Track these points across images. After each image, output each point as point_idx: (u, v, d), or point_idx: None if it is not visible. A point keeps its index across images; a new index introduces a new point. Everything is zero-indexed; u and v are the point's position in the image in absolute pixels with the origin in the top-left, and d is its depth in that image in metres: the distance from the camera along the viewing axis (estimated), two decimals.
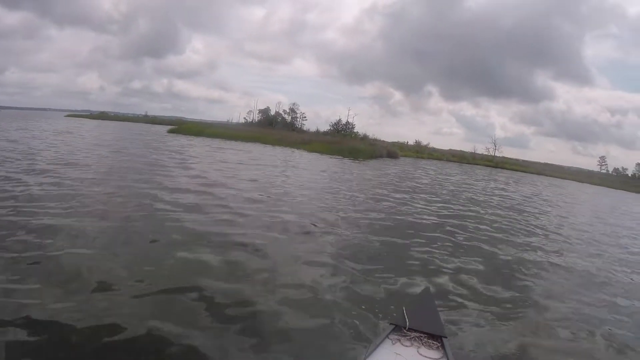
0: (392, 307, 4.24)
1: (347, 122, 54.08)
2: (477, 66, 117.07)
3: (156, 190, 9.17)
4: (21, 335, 3.12)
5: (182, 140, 30.46)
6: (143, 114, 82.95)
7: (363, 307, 4.18)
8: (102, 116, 76.72)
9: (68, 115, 78.28)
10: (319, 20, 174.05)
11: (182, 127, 41.97)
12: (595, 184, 51.59)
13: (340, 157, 28.69)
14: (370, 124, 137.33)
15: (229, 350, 3.26)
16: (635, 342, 4.34)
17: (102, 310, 3.60)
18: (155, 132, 38.52)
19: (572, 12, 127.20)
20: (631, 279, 7.04)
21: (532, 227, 10.74)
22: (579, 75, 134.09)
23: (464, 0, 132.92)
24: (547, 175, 51.87)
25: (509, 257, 7.08)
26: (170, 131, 39.94)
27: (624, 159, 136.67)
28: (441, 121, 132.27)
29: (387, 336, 2.90)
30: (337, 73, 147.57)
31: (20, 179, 9.08)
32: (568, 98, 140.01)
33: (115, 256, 4.92)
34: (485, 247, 7.60)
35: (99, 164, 13.17)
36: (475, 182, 24.04)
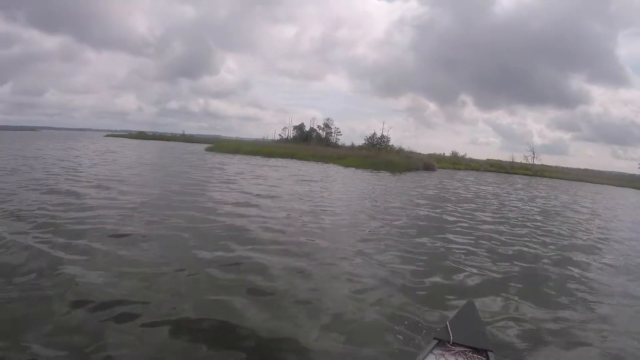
0: (436, 316, 4.20)
1: (382, 136, 53.50)
2: (509, 73, 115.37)
3: (206, 204, 9.68)
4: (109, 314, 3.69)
5: (221, 158, 31.14)
6: (180, 133, 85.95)
7: (406, 322, 4.04)
8: (141, 136, 79.72)
9: (107, 135, 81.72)
10: (349, 36, 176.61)
11: (219, 145, 42.88)
12: (638, 188, 48.91)
13: (376, 170, 28.37)
14: (405, 136, 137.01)
15: (291, 336, 3.59)
16: None
17: (177, 300, 4.13)
18: (193, 151, 39.66)
19: (601, 11, 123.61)
20: None
21: (575, 233, 10.51)
22: (613, 76, 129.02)
23: (491, 6, 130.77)
24: (587, 182, 49.92)
25: (556, 265, 6.87)
26: (208, 149, 41.05)
27: None
28: (477, 131, 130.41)
29: (430, 351, 2.83)
30: (369, 87, 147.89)
31: (80, 193, 9.76)
32: (604, 100, 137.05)
33: (183, 260, 5.35)
34: (531, 255, 7.50)
35: (147, 181, 13.81)
36: (514, 191, 23.35)
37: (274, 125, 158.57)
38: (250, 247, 6.23)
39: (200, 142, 60.99)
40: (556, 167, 67.18)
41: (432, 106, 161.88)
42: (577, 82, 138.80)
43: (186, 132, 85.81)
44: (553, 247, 8.17)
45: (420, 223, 9.52)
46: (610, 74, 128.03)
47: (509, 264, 6.60)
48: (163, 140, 72.72)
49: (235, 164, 25.53)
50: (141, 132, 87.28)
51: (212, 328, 3.64)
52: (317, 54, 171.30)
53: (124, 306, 3.85)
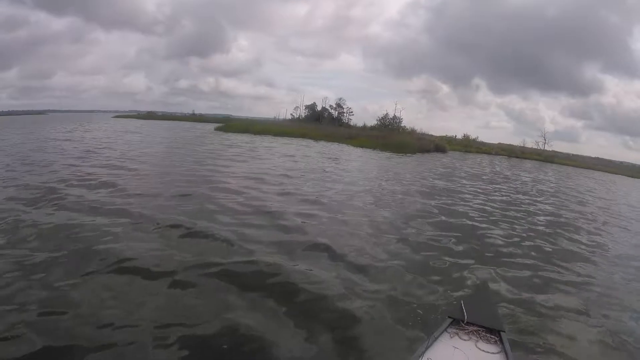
0: (450, 295, 4.26)
1: (395, 117, 52.72)
2: (524, 58, 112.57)
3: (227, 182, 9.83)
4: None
5: (232, 137, 31.04)
6: (190, 112, 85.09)
7: (421, 300, 4.13)
8: (150, 116, 78.76)
9: (116, 116, 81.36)
10: (363, 15, 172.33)
11: (230, 125, 42.57)
12: None
13: (388, 151, 28.30)
14: (418, 118, 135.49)
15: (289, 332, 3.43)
16: None
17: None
18: (205, 130, 39.42)
19: (618, 3, 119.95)
20: None
21: (586, 220, 10.51)
22: (627, 68, 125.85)
23: None
24: (598, 170, 49.73)
25: (566, 248, 7.01)
26: (218, 129, 40.37)
27: None
28: (490, 115, 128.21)
29: (445, 329, 2.91)
30: (383, 67, 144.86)
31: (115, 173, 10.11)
32: (617, 91, 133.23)
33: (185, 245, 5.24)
34: (542, 239, 7.45)
35: (163, 158, 14.31)
36: (525, 175, 23.82)
37: (285, 105, 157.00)
38: (271, 220, 6.51)
39: (210, 122, 60.16)
40: (567, 154, 66.77)
41: (446, 88, 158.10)
42: (591, 71, 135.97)
43: (196, 112, 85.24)
44: (570, 235, 8.16)
45: (429, 203, 9.50)
46: (625, 66, 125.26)
47: (524, 248, 6.61)
48: (173, 120, 71.92)
49: (248, 142, 25.47)
50: (150, 112, 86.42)
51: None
52: (330, 32, 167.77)
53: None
